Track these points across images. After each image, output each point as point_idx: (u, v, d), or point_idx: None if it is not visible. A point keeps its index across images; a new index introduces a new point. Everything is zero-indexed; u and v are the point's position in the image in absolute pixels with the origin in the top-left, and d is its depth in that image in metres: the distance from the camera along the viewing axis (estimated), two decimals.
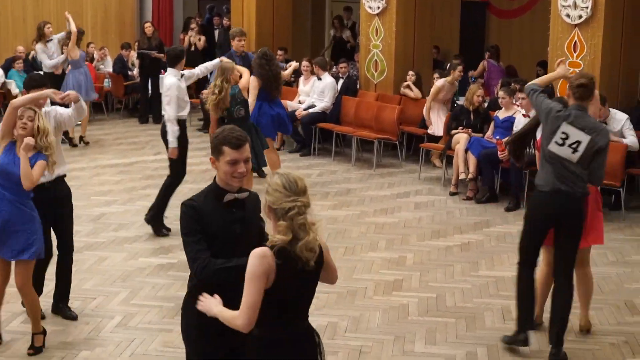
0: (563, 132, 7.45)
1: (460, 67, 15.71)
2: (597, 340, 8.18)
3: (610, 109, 12.25)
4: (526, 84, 8.10)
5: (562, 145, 7.47)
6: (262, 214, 5.26)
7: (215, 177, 5.23)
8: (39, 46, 17.53)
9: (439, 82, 15.51)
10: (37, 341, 7.70)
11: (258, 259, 4.61)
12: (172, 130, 10.92)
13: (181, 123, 11.04)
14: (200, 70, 11.92)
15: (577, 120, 7.43)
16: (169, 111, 10.91)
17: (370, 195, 13.53)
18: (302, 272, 4.70)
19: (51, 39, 17.56)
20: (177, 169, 11.25)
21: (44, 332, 7.80)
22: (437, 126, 15.32)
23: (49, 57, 17.45)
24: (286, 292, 4.71)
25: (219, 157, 5.10)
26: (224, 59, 12.23)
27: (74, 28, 16.97)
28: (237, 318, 4.66)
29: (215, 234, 5.09)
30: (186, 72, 11.47)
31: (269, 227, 4.92)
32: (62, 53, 17.43)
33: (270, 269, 4.62)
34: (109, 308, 8.78)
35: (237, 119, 11.33)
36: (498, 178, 13.25)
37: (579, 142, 7.41)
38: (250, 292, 4.62)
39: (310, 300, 4.92)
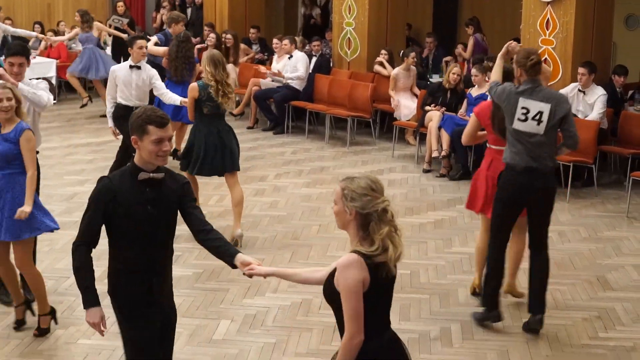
0: (523, 107, 7.53)
1: (413, 54, 15.72)
2: (569, 316, 8.24)
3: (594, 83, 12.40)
4: (490, 86, 8.04)
5: (525, 120, 7.54)
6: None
7: (133, 157, 5.25)
8: None
9: (393, 72, 15.63)
10: (43, 323, 7.67)
11: (355, 269, 4.40)
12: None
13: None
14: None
15: (534, 93, 7.54)
16: None
17: (343, 173, 13.47)
18: (389, 276, 4.55)
19: None
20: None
21: (52, 313, 7.76)
22: (401, 111, 15.34)
23: None
24: (380, 297, 4.55)
25: (143, 136, 5.09)
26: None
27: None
28: (351, 336, 4.40)
29: (128, 213, 5.12)
30: None
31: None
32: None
33: (365, 274, 4.41)
34: None
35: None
36: (471, 155, 13.29)
37: (540, 113, 7.50)
38: (351, 308, 4.38)
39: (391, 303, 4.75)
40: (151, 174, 5.16)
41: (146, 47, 11.78)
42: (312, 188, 12.59)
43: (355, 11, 16.89)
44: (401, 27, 17.93)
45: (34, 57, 18.72)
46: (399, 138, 15.15)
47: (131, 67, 11.58)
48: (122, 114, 11.15)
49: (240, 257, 5.13)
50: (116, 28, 19.66)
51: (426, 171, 13.60)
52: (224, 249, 5.24)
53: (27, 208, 7.20)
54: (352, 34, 17.03)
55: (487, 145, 8.39)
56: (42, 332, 7.65)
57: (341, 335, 4.51)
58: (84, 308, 5.19)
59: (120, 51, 19.65)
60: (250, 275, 5.04)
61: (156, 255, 5.27)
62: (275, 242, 10.24)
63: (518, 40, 15.53)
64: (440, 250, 9.95)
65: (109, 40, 20.35)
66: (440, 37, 18.96)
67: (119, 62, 19.66)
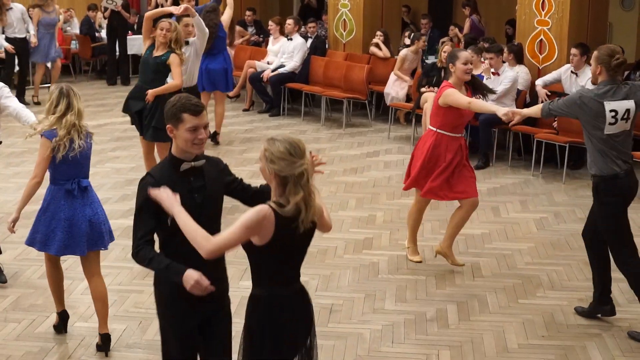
0: (611, 111, 7.18)
1: (423, 38, 15.76)
2: (565, 296, 8.26)
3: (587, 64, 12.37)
4: (543, 111, 7.65)
5: (616, 122, 7.21)
6: (233, 173, 5.28)
7: (170, 149, 5.16)
8: None
9: (402, 52, 15.57)
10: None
11: (257, 215, 4.62)
12: None
13: None
14: None
15: (616, 93, 7.20)
16: None
17: (339, 155, 13.55)
18: (299, 232, 4.73)
19: (11, 8, 17.40)
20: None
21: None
22: (395, 93, 15.34)
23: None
24: (284, 251, 4.79)
25: (178, 124, 5.01)
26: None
27: None
28: (207, 240, 4.66)
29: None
30: None
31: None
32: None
33: (269, 227, 4.64)
34: (79, 270, 8.68)
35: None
36: (467, 136, 13.29)
37: (628, 110, 7.22)
38: (234, 233, 4.63)
39: (303, 259, 4.98)
40: (193, 163, 5.08)
41: (192, 25, 11.44)
42: None
43: None
44: (397, 8, 17.91)
45: None
46: (394, 120, 15.15)
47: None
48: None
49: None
50: (112, 11, 19.61)
51: None
52: (256, 190, 5.30)
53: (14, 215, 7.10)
54: (348, 15, 17.01)
55: (435, 128, 8.63)
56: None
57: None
58: (178, 281, 4.86)
59: (115, 34, 19.65)
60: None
61: None
62: None
63: (513, 22, 15.57)
64: (436, 232, 9.95)
65: (104, 23, 20.29)
66: (435, 18, 18.93)
67: (113, 45, 19.68)
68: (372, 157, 13.41)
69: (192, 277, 4.80)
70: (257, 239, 4.69)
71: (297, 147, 4.71)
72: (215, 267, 5.12)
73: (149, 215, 5.00)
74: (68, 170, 6.87)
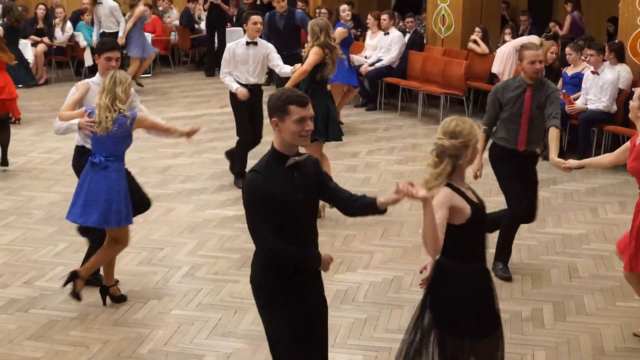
0: None
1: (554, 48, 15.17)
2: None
3: None
4: None
5: None
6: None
7: (272, 143, 5.10)
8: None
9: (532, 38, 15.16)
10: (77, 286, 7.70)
11: (449, 195, 5.07)
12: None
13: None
14: None
15: None
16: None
17: None
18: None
19: (100, 2, 17.75)
20: (243, 132, 11.33)
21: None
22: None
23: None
24: (479, 229, 5.24)
25: (285, 117, 4.94)
26: None
27: None
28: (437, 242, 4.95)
29: (282, 201, 4.94)
30: None
31: None
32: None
33: (463, 204, 5.10)
34: (177, 258, 8.89)
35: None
36: (566, 135, 13.11)
37: None
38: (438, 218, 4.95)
39: None
40: (297, 158, 5.04)
41: (261, 23, 11.24)
42: (404, 165, 12.56)
43: None
44: (496, 4, 17.76)
45: None
46: None
47: (247, 43, 11.11)
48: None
49: (380, 199, 5.13)
50: (211, 3, 19.80)
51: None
52: (365, 202, 5.20)
53: None
54: (447, 10, 16.91)
55: None
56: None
57: None
58: (316, 265, 5.07)
59: (214, 26, 19.85)
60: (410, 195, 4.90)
61: (305, 242, 5.12)
62: (367, 218, 10.16)
63: (615, 20, 15.31)
64: (533, 231, 9.84)
65: (203, 15, 20.51)
66: (535, 14, 18.71)
67: (212, 37, 19.89)
68: None
69: (328, 259, 5.18)
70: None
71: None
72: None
73: (265, 210, 4.93)
74: (95, 144, 7.50)
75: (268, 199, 4.90)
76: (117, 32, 17.65)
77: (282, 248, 4.93)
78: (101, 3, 17.73)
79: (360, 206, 5.17)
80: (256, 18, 11.14)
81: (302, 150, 5.14)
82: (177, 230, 9.71)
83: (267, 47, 11.20)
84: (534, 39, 14.42)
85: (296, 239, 5.02)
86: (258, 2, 21.16)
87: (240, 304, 7.76)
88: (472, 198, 5.20)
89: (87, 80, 8.02)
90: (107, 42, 8.26)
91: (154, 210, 10.11)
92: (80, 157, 7.84)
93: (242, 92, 10.91)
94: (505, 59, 15.20)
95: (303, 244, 5.07)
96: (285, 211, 4.96)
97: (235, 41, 11.45)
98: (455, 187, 5.13)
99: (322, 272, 5.30)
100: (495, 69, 15.35)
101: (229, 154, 11.58)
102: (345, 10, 15.40)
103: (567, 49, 13.43)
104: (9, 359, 6.81)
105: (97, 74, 7.98)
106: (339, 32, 13.77)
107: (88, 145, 7.72)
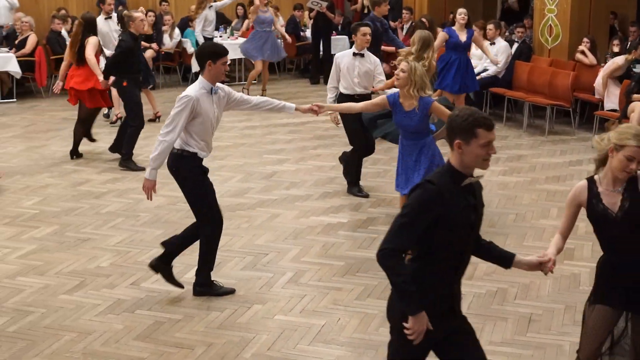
0: None
1: None
2: None
3: None
4: None
5: None
6: None
7: (448, 160, 4.96)
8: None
9: (618, 59, 14.96)
10: None
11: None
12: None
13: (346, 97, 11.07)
14: None
15: None
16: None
17: (541, 162, 13.34)
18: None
19: (211, 6, 17.98)
20: (357, 140, 11.30)
21: None
22: (609, 100, 14.91)
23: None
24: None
25: (471, 140, 4.77)
26: None
27: None
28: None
29: (455, 221, 4.80)
30: None
31: None
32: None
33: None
34: (281, 264, 8.94)
35: None
36: None
37: None
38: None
39: None
40: (472, 179, 4.91)
41: (370, 35, 11.13)
42: (508, 176, 12.44)
43: None
44: (604, 15, 17.49)
45: (236, 38, 19.39)
46: (599, 129, 14.79)
47: (355, 54, 11.09)
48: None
49: (517, 259, 5.38)
50: (317, 12, 19.91)
51: None
52: (500, 255, 5.40)
53: None
54: (554, 20, 16.72)
55: None
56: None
57: None
58: (409, 312, 4.78)
59: (320, 34, 19.95)
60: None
61: (463, 265, 5.08)
62: None
63: None
64: None
65: (309, 23, 20.64)
66: None
67: (318, 45, 20.00)
68: (575, 166, 13.13)
69: (422, 322, 4.79)
70: None
71: None
72: (460, 283, 5.16)
73: (420, 226, 4.77)
74: None
75: (440, 214, 4.77)
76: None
77: (396, 262, 4.75)
78: (211, 6, 17.98)
79: (493, 257, 5.43)
80: (365, 29, 11.08)
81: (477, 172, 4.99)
82: (281, 236, 9.77)
83: (374, 62, 11.13)
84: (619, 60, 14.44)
85: (456, 262, 4.98)
86: (366, 11, 21.17)
87: (343, 310, 7.77)
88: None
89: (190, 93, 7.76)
90: (222, 47, 8.12)
91: (259, 215, 10.23)
92: (180, 161, 7.88)
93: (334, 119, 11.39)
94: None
95: (460, 268, 5.05)
96: (458, 230, 4.85)
97: (343, 52, 11.46)
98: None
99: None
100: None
101: (343, 159, 11.60)
102: (461, 14, 15.17)
103: None
104: (115, 359, 6.94)
105: (201, 79, 7.81)
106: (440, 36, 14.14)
107: (188, 148, 7.76)
